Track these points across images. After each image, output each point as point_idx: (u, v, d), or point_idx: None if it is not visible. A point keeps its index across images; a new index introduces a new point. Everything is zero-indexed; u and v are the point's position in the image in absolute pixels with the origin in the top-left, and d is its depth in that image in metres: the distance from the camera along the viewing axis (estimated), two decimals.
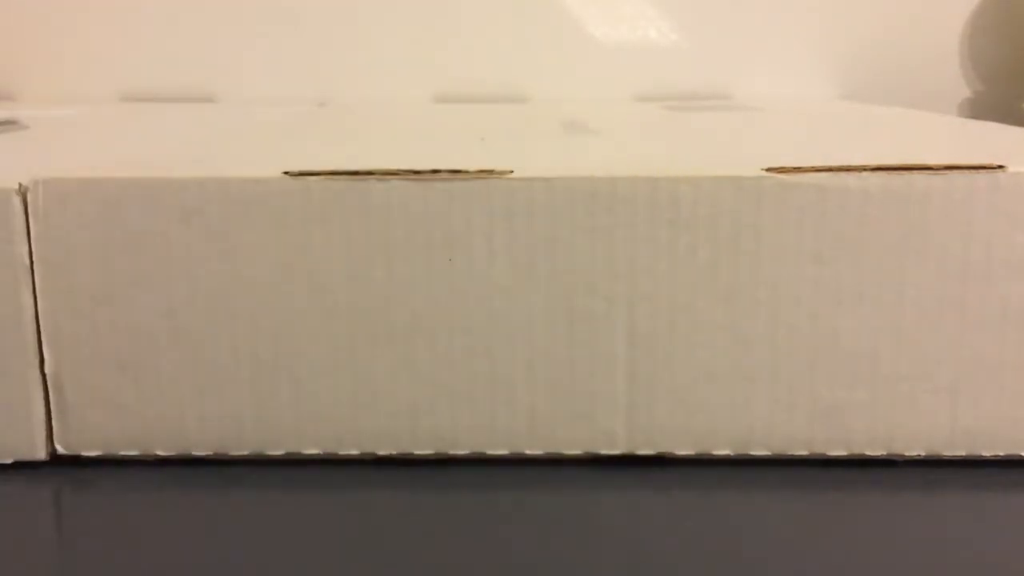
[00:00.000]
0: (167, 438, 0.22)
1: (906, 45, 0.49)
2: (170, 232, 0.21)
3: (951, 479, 0.21)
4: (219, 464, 0.22)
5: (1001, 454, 0.22)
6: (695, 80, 0.49)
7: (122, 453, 0.22)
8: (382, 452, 0.22)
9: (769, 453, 0.22)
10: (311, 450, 0.22)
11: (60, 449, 0.22)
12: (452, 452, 0.22)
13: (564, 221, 0.20)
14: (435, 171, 0.20)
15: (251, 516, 0.20)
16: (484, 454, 0.22)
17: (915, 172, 0.20)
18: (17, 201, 0.20)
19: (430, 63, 0.49)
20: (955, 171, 0.20)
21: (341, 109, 0.43)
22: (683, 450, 0.22)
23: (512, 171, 0.20)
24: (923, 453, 0.22)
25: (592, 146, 0.25)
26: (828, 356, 0.21)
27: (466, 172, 0.20)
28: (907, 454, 0.22)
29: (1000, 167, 0.20)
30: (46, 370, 0.21)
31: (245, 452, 0.22)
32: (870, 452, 0.22)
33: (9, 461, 0.22)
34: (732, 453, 0.22)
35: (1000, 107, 0.49)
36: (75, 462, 0.22)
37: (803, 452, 0.22)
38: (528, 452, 0.22)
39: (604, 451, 0.22)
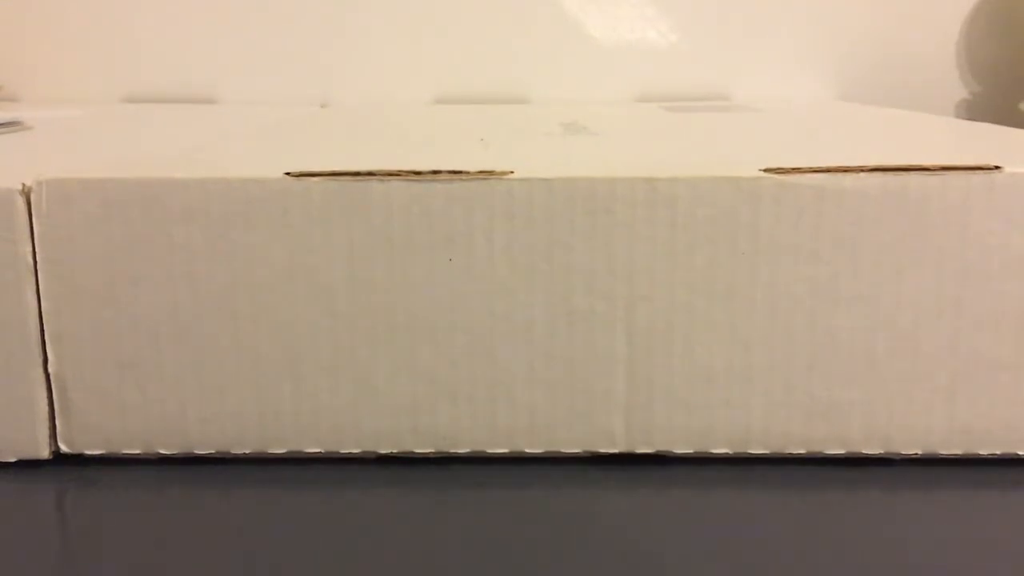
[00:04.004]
0: (169, 437, 0.22)
1: (903, 47, 0.49)
2: (172, 232, 0.21)
3: (948, 478, 0.21)
4: (221, 463, 0.22)
5: (998, 453, 0.22)
6: (694, 81, 0.49)
7: (125, 451, 0.22)
8: (383, 451, 0.22)
9: (767, 452, 0.22)
10: (312, 449, 0.22)
11: (63, 447, 0.22)
12: (452, 451, 0.22)
13: (564, 221, 0.21)
14: (435, 172, 0.20)
15: (253, 514, 0.20)
16: (484, 453, 0.22)
17: (912, 173, 0.20)
18: (21, 201, 0.21)
19: (430, 64, 0.49)
20: (952, 172, 0.20)
21: (342, 110, 0.43)
22: (682, 448, 0.22)
23: (512, 172, 0.20)
24: (920, 452, 0.22)
25: (591, 147, 0.26)
26: (826, 355, 0.21)
27: (466, 173, 0.20)
28: (904, 453, 0.22)
29: (997, 168, 0.20)
30: (49, 369, 0.21)
31: (247, 451, 0.22)
32: (867, 451, 0.22)
33: (12, 459, 0.22)
34: (730, 452, 0.22)
35: (997, 109, 0.49)
36: (78, 460, 0.22)
37: (801, 451, 0.22)
38: (528, 451, 0.22)
39: (603, 450, 0.22)
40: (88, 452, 0.22)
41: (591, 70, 0.49)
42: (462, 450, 0.22)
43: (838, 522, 0.20)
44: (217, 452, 0.22)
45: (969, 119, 0.40)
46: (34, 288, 0.21)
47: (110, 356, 0.21)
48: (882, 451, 0.22)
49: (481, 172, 0.20)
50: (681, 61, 0.49)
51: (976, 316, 0.21)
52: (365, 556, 0.18)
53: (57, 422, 0.22)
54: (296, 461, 0.22)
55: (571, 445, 0.22)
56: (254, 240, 0.21)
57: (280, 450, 0.22)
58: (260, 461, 0.22)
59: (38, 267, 0.21)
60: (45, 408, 0.22)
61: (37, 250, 0.21)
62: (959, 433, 0.22)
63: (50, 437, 0.22)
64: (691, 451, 0.22)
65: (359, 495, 0.21)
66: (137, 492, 0.21)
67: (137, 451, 0.22)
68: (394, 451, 0.22)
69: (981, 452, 0.22)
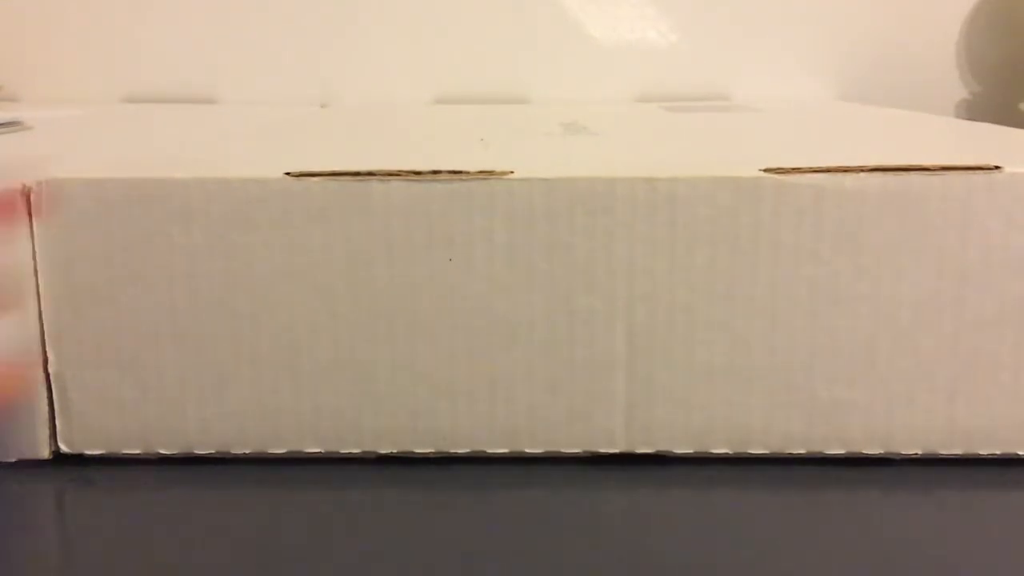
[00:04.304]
0: (169, 437, 0.22)
1: (904, 46, 0.49)
2: (172, 232, 0.21)
3: (948, 478, 0.21)
4: (221, 462, 0.22)
5: (998, 453, 0.22)
6: (694, 81, 0.49)
7: (124, 452, 0.22)
8: (383, 450, 0.22)
9: (767, 452, 0.22)
10: (312, 448, 0.22)
11: (63, 448, 0.22)
12: (452, 451, 0.22)
13: (564, 221, 0.21)
14: (436, 172, 0.20)
15: (253, 514, 0.20)
16: (484, 453, 0.22)
17: (912, 173, 0.20)
18: (21, 201, 0.21)
19: (430, 64, 0.49)
20: (952, 172, 0.20)
21: (342, 110, 0.43)
22: (682, 448, 0.22)
23: (512, 172, 0.20)
24: (920, 452, 0.22)
25: (591, 147, 0.26)
26: (826, 355, 0.21)
27: (466, 173, 0.20)
28: (904, 453, 0.22)
29: (997, 168, 0.20)
30: (49, 369, 0.21)
31: (247, 451, 0.22)
32: (868, 451, 0.22)
33: (12, 459, 0.22)
34: (730, 451, 0.22)
35: (997, 108, 0.49)
36: (78, 461, 0.22)
37: (801, 451, 0.22)
38: (528, 451, 0.22)
39: (603, 449, 0.22)
40: (88, 452, 0.22)
41: (591, 70, 0.49)
42: (462, 450, 0.22)
43: (839, 523, 0.20)
44: (217, 452, 0.22)
45: (969, 119, 0.40)
46: (34, 288, 0.21)
47: (110, 356, 0.21)
48: (882, 451, 0.22)
49: (481, 172, 0.20)
50: (681, 61, 0.49)
51: (977, 316, 0.21)
52: (365, 556, 0.18)
53: (57, 422, 0.22)
54: (296, 461, 0.22)
55: (571, 445, 0.22)
56: (254, 240, 0.21)
57: (280, 450, 0.22)
58: (260, 461, 0.22)
59: (38, 267, 0.21)
60: (45, 408, 0.22)
61: (37, 250, 0.21)
62: (959, 433, 0.22)
63: (50, 437, 0.22)
64: (691, 451, 0.22)
65: (359, 495, 0.21)
66: (137, 492, 0.21)
67: (137, 451, 0.22)
68: (394, 451, 0.22)
69: (981, 452, 0.22)
